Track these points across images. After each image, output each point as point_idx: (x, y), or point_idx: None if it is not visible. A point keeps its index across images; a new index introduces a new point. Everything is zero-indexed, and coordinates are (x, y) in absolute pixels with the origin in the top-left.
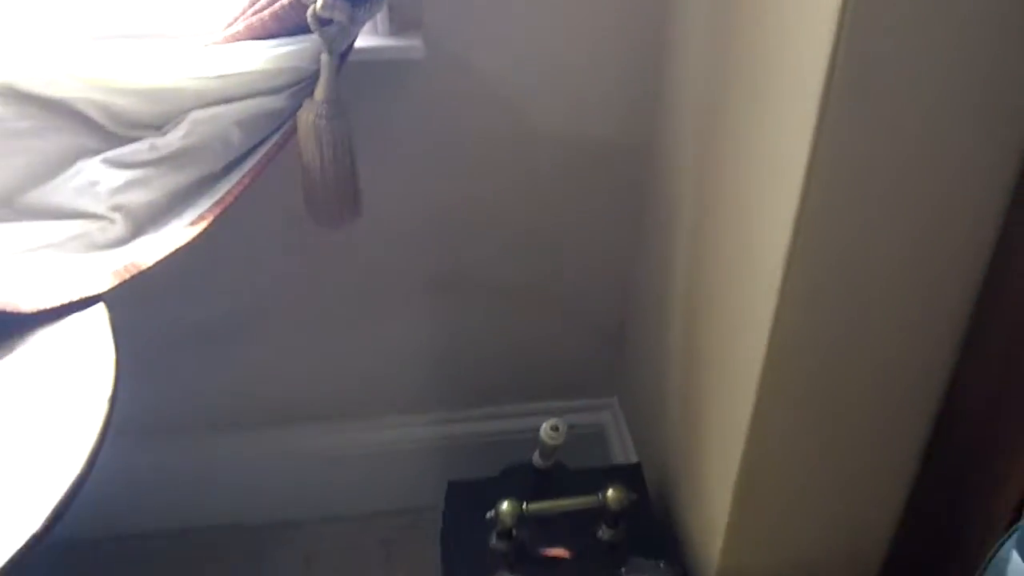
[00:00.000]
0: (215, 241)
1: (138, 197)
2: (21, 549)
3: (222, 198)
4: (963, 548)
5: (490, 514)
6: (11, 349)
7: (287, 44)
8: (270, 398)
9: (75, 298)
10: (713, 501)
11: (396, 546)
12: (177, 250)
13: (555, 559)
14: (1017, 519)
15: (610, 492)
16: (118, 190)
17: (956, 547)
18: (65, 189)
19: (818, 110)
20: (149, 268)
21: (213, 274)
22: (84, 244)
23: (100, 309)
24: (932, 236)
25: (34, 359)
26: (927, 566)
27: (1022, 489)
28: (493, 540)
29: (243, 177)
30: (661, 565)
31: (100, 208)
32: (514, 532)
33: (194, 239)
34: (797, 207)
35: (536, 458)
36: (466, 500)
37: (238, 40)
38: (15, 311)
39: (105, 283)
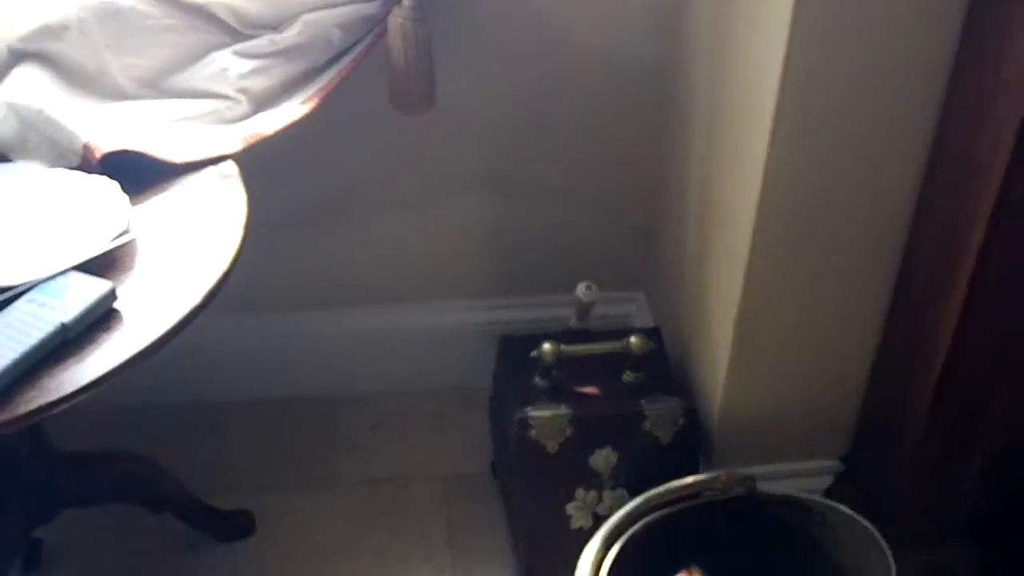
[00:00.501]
0: (308, 135)
1: (259, 83)
2: (188, 313)
3: (324, 86)
4: (919, 379)
5: (534, 353)
6: (164, 190)
7: None
8: (344, 282)
9: (213, 155)
10: (716, 351)
11: (448, 418)
12: (290, 124)
13: (587, 395)
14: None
15: (633, 339)
16: (244, 76)
17: (916, 380)
18: (200, 75)
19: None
20: (269, 136)
21: (301, 166)
22: (215, 119)
23: (231, 163)
24: (891, 109)
25: (184, 197)
26: (896, 400)
27: (955, 325)
28: (536, 378)
29: (342, 70)
30: (675, 400)
31: (229, 90)
32: (553, 372)
33: (303, 116)
34: (780, 81)
35: (573, 319)
36: (515, 350)
37: None
38: (169, 161)
39: (236, 145)
